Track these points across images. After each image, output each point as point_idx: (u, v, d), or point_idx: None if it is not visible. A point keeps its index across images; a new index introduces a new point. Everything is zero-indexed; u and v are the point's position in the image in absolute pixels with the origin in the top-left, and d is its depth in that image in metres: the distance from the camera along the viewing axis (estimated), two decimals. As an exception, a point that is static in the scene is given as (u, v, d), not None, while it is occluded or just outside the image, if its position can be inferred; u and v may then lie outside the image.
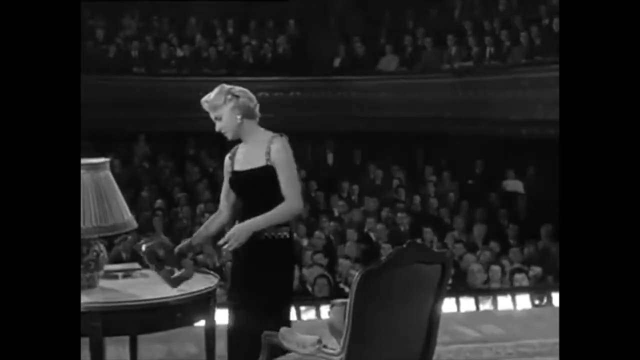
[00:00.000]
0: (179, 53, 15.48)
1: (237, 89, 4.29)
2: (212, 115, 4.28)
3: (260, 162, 4.15)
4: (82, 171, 3.74)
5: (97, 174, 3.87)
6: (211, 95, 4.27)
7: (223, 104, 4.23)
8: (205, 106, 4.28)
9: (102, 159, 3.96)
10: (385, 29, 15.97)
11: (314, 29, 16.28)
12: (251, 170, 4.18)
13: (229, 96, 4.23)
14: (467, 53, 14.35)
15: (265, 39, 15.88)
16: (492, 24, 14.20)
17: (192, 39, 15.77)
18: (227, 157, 4.32)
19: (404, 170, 14.59)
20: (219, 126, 4.26)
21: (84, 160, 3.77)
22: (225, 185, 4.30)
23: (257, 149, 4.18)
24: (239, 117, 4.21)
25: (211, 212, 12.34)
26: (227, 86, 4.30)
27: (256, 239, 4.09)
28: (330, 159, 15.66)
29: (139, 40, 15.46)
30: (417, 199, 13.06)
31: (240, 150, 4.28)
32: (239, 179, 4.23)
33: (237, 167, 4.25)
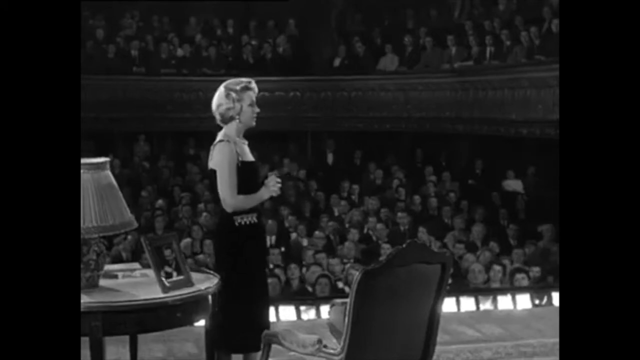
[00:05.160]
0: (179, 53, 15.48)
1: None
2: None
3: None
4: (82, 171, 3.74)
5: (97, 174, 3.86)
6: None
7: None
8: None
9: (102, 159, 3.96)
10: (385, 29, 15.98)
11: (314, 29, 16.28)
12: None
13: None
14: (467, 53, 14.35)
15: (265, 39, 15.88)
16: (492, 24, 14.21)
17: (192, 39, 15.77)
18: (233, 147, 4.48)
19: (404, 170, 14.59)
20: None
21: (84, 160, 3.77)
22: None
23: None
24: None
25: (211, 212, 12.39)
26: None
27: None
28: (330, 159, 15.67)
29: (139, 40, 15.46)
30: (417, 199, 13.07)
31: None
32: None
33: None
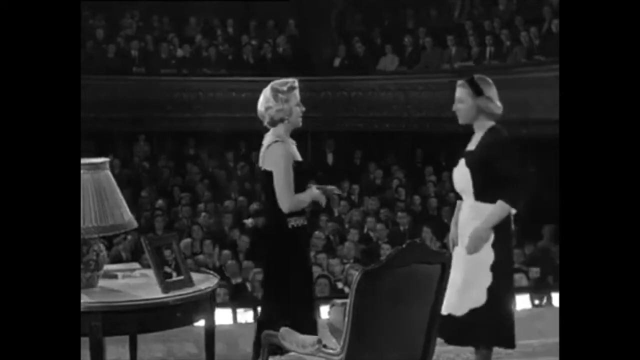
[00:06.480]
0: (179, 53, 15.48)
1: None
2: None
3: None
4: (82, 171, 3.74)
5: (97, 174, 3.86)
6: None
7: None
8: None
9: (102, 159, 3.96)
10: (385, 29, 15.98)
11: (314, 29, 16.28)
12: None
13: None
14: (467, 53, 14.36)
15: (265, 39, 15.88)
16: (492, 24, 14.21)
17: (192, 39, 15.77)
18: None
19: (404, 170, 14.59)
20: None
21: (84, 160, 3.77)
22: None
23: None
24: None
25: (211, 212, 12.39)
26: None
27: None
28: (330, 159, 15.67)
29: (139, 40, 15.46)
30: (417, 199, 13.07)
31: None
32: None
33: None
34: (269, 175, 4.47)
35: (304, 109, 4.60)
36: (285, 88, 4.53)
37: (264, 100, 4.55)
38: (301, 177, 4.54)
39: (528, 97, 12.66)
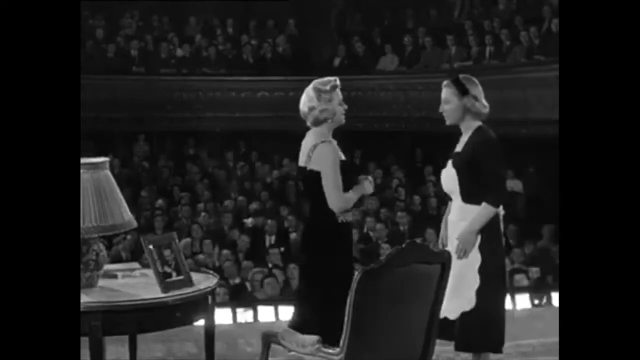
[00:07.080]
0: (179, 53, 15.48)
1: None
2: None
3: None
4: (82, 171, 3.74)
5: (97, 174, 3.86)
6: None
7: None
8: None
9: (102, 159, 3.96)
10: (385, 29, 15.99)
11: (314, 29, 16.29)
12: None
13: None
14: (467, 53, 14.36)
15: (265, 39, 15.89)
16: (492, 24, 14.22)
17: (192, 39, 15.78)
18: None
19: (404, 170, 14.59)
20: None
21: (84, 160, 3.77)
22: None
23: None
24: None
25: (211, 212, 12.38)
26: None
27: None
28: (330, 158, 15.66)
29: (139, 40, 15.47)
30: (417, 199, 13.06)
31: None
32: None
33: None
34: (315, 175, 4.43)
35: (346, 107, 4.54)
36: (328, 87, 4.48)
37: (307, 100, 4.50)
38: (347, 176, 4.51)
39: (528, 97, 12.67)
